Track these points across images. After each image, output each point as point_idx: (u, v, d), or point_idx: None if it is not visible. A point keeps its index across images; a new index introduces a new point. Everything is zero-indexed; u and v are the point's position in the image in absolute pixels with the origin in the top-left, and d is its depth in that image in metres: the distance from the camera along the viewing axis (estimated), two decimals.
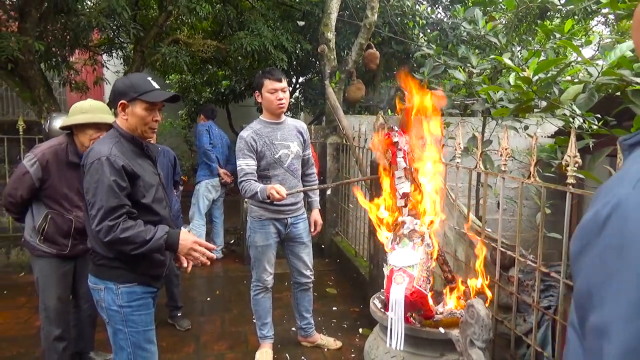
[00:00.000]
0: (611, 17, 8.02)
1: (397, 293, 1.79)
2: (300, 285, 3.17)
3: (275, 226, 2.94)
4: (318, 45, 5.63)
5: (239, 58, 6.25)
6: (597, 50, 7.43)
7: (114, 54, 6.64)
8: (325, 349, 3.25)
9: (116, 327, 1.94)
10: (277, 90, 2.79)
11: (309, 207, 3.20)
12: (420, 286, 1.80)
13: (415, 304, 1.80)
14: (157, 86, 1.98)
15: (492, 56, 3.27)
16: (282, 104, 2.82)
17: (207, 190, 5.06)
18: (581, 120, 3.23)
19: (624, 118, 2.89)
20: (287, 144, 2.90)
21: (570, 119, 3.06)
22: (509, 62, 2.21)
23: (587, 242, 0.59)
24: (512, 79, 2.16)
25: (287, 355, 3.18)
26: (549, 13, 7.35)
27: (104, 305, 1.94)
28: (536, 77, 2.11)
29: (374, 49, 5.79)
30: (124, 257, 1.90)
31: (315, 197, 3.22)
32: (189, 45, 5.43)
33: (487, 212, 2.57)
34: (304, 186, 3.05)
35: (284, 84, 2.82)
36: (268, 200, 2.64)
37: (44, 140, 3.21)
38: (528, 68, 2.08)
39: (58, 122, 3.21)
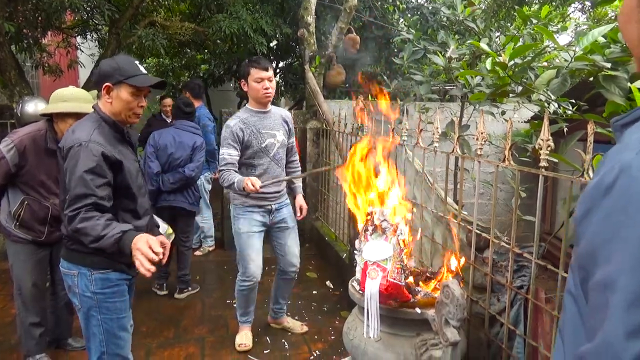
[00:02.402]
0: (588, 3, 8.14)
1: (372, 287, 1.83)
2: (286, 274, 3.15)
3: (259, 213, 2.92)
4: (298, 29, 5.58)
5: (218, 42, 6.15)
6: (574, 36, 7.55)
7: (89, 37, 6.46)
8: (289, 333, 3.29)
9: (89, 313, 1.91)
10: (263, 80, 2.76)
11: (292, 194, 3.20)
12: (394, 278, 1.83)
13: (391, 296, 1.84)
14: (144, 70, 1.93)
15: (469, 41, 3.30)
16: (268, 93, 2.80)
17: (207, 183, 4.91)
18: (556, 106, 3.30)
19: (597, 103, 2.95)
20: (274, 133, 2.90)
21: (546, 104, 3.13)
22: (485, 47, 2.24)
23: (591, 206, 0.62)
24: (488, 64, 2.18)
25: (267, 339, 3.21)
26: None
27: (77, 291, 1.90)
28: (512, 62, 2.14)
29: (354, 33, 5.76)
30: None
31: (299, 183, 3.22)
32: (166, 28, 5.32)
33: (465, 196, 2.62)
34: (287, 174, 3.05)
35: (270, 72, 2.80)
36: (244, 192, 2.65)
37: (16, 124, 3.14)
38: (504, 53, 2.11)
39: (31, 106, 3.14)
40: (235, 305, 3.18)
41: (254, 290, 3.03)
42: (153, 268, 1.70)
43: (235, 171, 2.76)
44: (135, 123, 2.00)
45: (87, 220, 1.73)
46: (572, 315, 0.68)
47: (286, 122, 3.01)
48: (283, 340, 3.19)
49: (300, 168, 3.27)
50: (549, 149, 1.78)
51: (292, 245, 3.08)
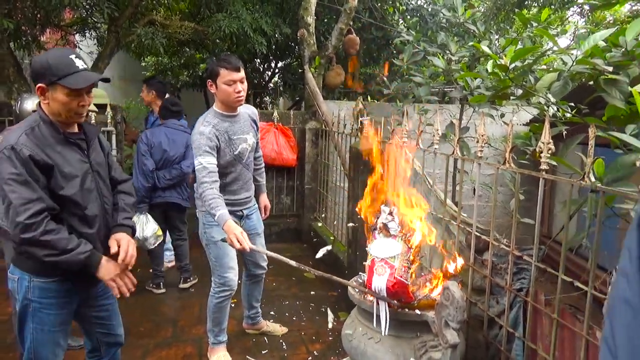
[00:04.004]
0: (586, 7, 8.17)
1: (379, 284, 1.83)
2: (255, 277, 3.06)
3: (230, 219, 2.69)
4: (297, 30, 5.58)
5: (217, 41, 6.14)
6: (573, 39, 7.58)
7: (87, 35, 6.44)
8: (287, 333, 3.25)
9: (23, 319, 1.80)
10: (235, 82, 2.50)
11: (257, 192, 3.07)
12: (401, 276, 1.84)
13: (396, 294, 1.84)
14: (82, 65, 1.72)
15: (470, 43, 3.30)
16: (240, 97, 2.55)
17: None
18: (555, 109, 3.30)
19: (597, 107, 2.96)
20: (245, 137, 2.70)
21: (545, 107, 3.13)
22: (486, 49, 2.24)
23: None
24: (489, 66, 2.19)
25: (265, 339, 3.20)
26: (526, 2, 7.45)
27: (16, 296, 1.80)
28: (513, 65, 2.14)
29: (354, 34, 5.76)
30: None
31: (262, 181, 3.10)
32: (166, 27, 5.31)
33: (463, 198, 2.62)
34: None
35: (242, 73, 2.53)
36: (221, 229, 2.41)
37: (14, 121, 3.13)
38: (505, 56, 2.11)
39: (29, 104, 3.13)
40: (210, 327, 2.90)
41: (229, 301, 2.88)
42: (127, 294, 1.83)
43: (216, 181, 2.51)
44: (80, 122, 1.83)
45: (51, 232, 1.63)
46: (628, 322, 0.65)
47: (254, 121, 2.82)
48: (281, 341, 3.19)
49: (264, 163, 3.11)
50: (549, 152, 1.79)
51: (261, 249, 2.93)
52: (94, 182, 1.86)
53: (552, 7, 7.42)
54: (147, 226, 3.67)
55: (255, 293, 3.14)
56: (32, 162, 1.64)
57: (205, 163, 2.49)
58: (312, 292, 4.03)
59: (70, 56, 1.71)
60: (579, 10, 8.30)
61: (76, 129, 1.84)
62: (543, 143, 1.80)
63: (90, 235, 1.80)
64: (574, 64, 1.86)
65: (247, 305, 3.19)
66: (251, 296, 3.14)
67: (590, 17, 8.27)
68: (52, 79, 1.67)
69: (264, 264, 3.05)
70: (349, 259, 3.70)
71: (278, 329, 3.29)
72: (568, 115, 2.74)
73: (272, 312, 3.59)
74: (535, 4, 7.56)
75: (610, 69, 1.80)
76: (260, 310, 3.24)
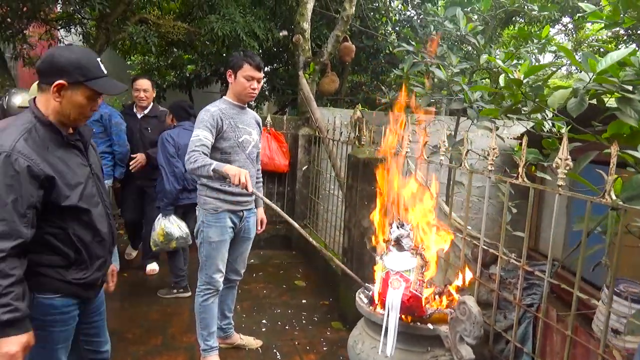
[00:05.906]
0: (570, 26, 8.40)
1: (394, 298, 1.79)
2: (229, 282, 2.97)
3: (231, 219, 2.73)
4: (290, 35, 5.55)
5: (207, 43, 6.06)
6: (556, 56, 7.78)
7: (73, 30, 6.26)
8: (246, 348, 3.10)
9: None
10: (253, 79, 2.65)
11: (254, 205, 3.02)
12: (416, 290, 1.81)
13: (410, 308, 1.81)
14: (105, 70, 1.64)
15: (484, 56, 3.32)
16: (254, 93, 2.69)
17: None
18: (550, 124, 3.35)
19: (587, 125, 3.02)
20: (250, 130, 2.78)
21: (543, 122, 3.17)
22: (500, 62, 2.25)
23: None
24: (501, 80, 2.19)
25: (259, 349, 3.13)
26: (513, 17, 7.62)
27: None
28: (525, 80, 2.15)
29: (349, 41, 5.77)
30: (50, 260, 1.57)
31: (260, 194, 3.06)
32: (158, 26, 5.20)
33: (453, 209, 2.62)
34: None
35: (262, 74, 2.70)
36: (215, 177, 2.38)
37: (0, 117, 2.99)
38: (519, 70, 2.12)
39: (18, 99, 3.01)
40: (199, 330, 2.82)
41: (216, 301, 2.82)
42: None
43: (207, 154, 2.49)
44: (82, 124, 1.70)
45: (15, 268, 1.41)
46: None
47: (258, 125, 2.90)
48: (275, 351, 3.12)
49: (262, 177, 3.11)
50: (567, 168, 1.79)
51: (244, 254, 2.95)
52: (95, 187, 1.71)
53: (538, 24, 7.62)
54: (182, 225, 3.61)
55: (228, 300, 3.03)
56: (28, 174, 1.44)
57: (202, 136, 2.51)
58: (303, 301, 3.97)
59: (97, 58, 1.64)
60: (563, 28, 8.52)
61: (71, 130, 1.69)
62: (560, 159, 1.81)
63: (98, 245, 1.68)
64: (591, 81, 1.87)
65: (219, 315, 3.01)
66: (223, 303, 3.01)
67: (574, 36, 8.51)
68: (79, 78, 1.55)
69: (242, 271, 3.00)
70: None
71: (252, 342, 3.15)
72: (562, 131, 2.78)
73: (264, 321, 3.52)
74: (522, 21, 7.73)
75: (630, 87, 1.82)
76: (233, 322, 3.10)
